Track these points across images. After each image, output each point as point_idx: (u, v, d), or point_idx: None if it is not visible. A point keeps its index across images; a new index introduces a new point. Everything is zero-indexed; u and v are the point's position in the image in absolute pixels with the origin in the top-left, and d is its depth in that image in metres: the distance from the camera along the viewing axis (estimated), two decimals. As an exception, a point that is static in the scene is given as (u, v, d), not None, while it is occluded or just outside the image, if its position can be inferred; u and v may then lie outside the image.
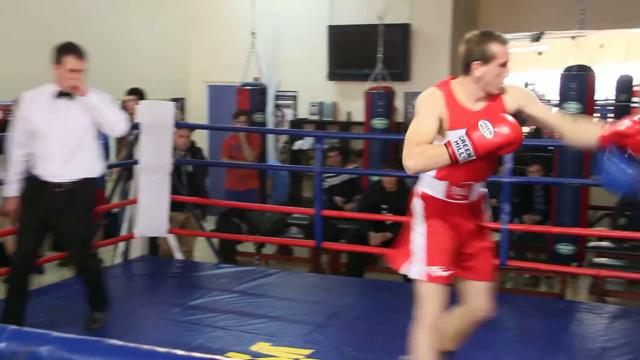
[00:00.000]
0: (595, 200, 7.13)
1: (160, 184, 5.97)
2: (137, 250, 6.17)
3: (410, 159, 2.80)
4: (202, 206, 6.77)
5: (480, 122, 2.72)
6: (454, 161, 2.74)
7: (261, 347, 4.05)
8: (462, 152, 2.72)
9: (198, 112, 10.11)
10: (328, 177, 7.61)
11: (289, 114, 9.73)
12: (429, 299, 3.03)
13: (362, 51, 8.57)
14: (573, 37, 7.16)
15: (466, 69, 2.94)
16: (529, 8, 9.62)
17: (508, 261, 5.34)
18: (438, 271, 3.02)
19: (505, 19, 9.83)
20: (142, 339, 4.16)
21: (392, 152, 7.75)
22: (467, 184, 3.03)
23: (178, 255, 6.15)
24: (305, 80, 9.46)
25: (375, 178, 7.19)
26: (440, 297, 3.03)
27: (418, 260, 3.06)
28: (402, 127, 8.85)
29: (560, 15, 8.73)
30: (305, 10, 9.47)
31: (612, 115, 12.22)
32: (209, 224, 7.72)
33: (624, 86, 11.64)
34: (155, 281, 5.59)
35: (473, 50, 2.91)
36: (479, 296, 3.22)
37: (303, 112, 9.63)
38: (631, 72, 11.82)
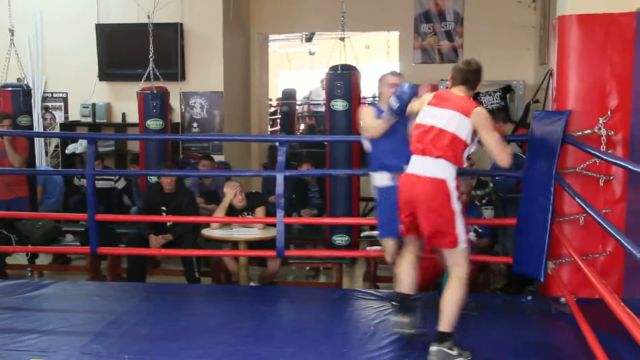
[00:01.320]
0: (365, 192, 7.57)
1: None
2: None
3: (509, 158, 3.90)
4: (-38, 218, 6.23)
5: None
6: None
7: (34, 363, 3.83)
8: None
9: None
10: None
11: (59, 117, 9.25)
12: (467, 259, 3.93)
13: (133, 51, 8.38)
14: (341, 39, 7.54)
15: (476, 85, 4.04)
16: (298, 10, 9.99)
17: (286, 251, 5.54)
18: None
19: (276, 20, 10.14)
20: None
21: (169, 153, 7.65)
22: None
23: None
24: (75, 80, 9.06)
25: (153, 180, 7.06)
26: None
27: (462, 232, 3.85)
28: (178, 128, 8.81)
29: (326, 17, 9.13)
30: (71, 7, 9.06)
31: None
32: (-28, 237, 7.14)
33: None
34: None
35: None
36: None
37: (75, 114, 9.20)
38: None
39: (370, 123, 4.53)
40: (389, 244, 4.60)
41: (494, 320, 4.56)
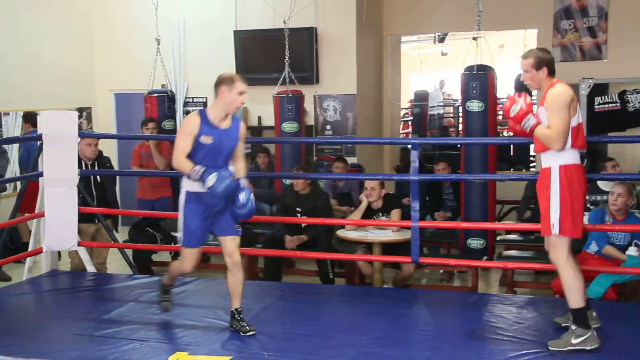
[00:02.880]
0: (501, 195, 7.38)
1: (67, 195, 5.79)
2: (46, 265, 5.98)
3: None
4: (113, 216, 6.60)
5: None
6: None
7: (179, 357, 3.99)
8: None
9: (105, 120, 9.86)
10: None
11: (199, 121, 9.62)
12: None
13: (269, 55, 8.58)
14: (474, 38, 7.39)
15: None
16: (430, 10, 9.87)
17: (421, 258, 5.46)
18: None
19: (408, 21, 10.06)
20: (55, 356, 4.03)
21: (303, 155, 7.78)
22: None
23: (90, 268, 5.98)
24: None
25: (287, 181, 7.21)
26: None
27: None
28: (312, 130, 8.95)
29: (460, 17, 9.00)
30: (210, 15, 9.40)
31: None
32: (122, 234, 7.55)
33: (523, 85, 12.04)
34: (67, 296, 5.41)
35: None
36: None
37: (213, 118, 9.53)
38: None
39: (182, 160, 4.22)
40: (195, 252, 4.45)
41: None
